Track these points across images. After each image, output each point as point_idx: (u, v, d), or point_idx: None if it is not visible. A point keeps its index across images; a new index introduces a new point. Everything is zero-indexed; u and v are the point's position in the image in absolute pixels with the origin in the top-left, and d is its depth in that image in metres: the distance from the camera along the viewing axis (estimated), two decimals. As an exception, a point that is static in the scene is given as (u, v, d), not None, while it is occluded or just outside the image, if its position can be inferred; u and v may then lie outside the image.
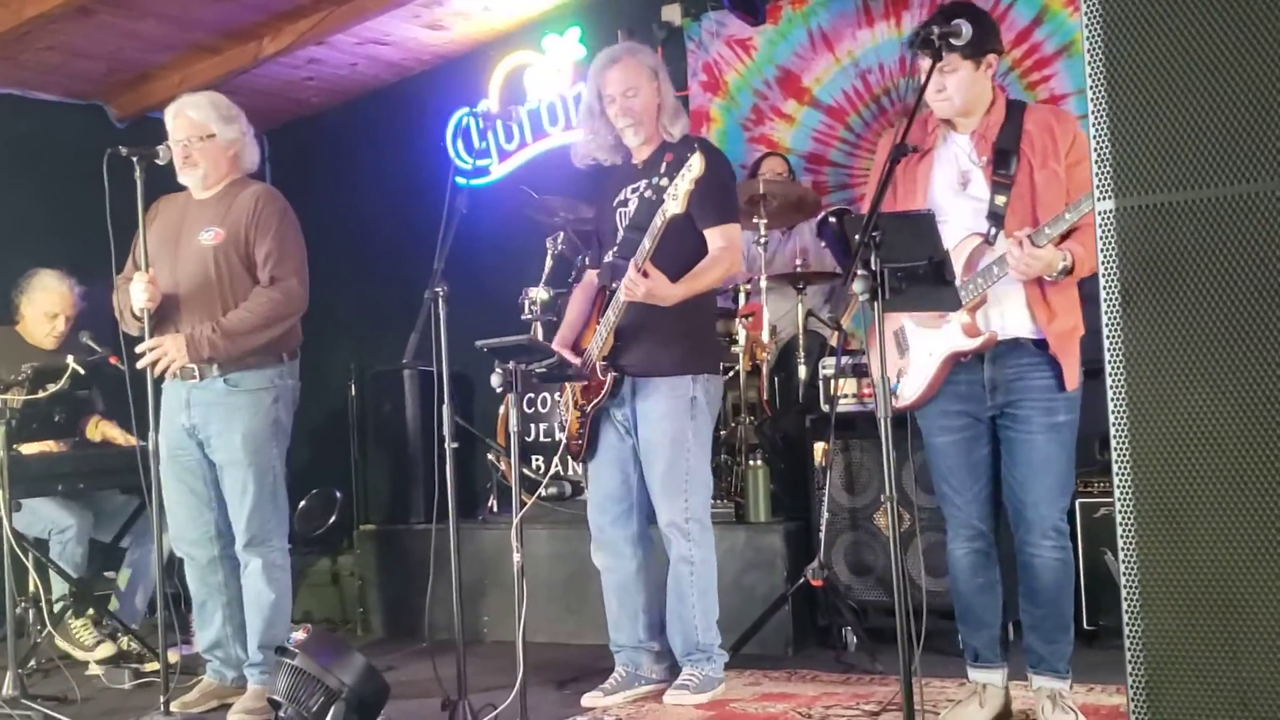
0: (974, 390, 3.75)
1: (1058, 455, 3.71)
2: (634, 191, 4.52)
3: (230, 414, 4.55)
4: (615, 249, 4.54)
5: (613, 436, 4.60)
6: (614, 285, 4.41)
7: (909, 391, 3.81)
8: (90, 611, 5.54)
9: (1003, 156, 3.71)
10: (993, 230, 3.67)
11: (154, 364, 4.46)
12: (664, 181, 4.22)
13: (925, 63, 3.57)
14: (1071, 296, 3.73)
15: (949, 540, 3.91)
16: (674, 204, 4.13)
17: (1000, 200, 3.67)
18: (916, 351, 3.81)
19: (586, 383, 4.54)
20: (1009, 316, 3.70)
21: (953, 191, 3.75)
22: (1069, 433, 3.73)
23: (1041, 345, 3.69)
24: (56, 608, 5.42)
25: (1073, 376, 3.69)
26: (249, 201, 4.61)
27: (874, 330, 3.97)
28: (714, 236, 4.48)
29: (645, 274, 4.26)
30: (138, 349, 4.49)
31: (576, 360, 4.55)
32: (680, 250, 4.41)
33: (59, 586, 5.52)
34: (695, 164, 4.09)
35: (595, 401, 4.50)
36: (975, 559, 3.85)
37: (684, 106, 6.86)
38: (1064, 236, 3.60)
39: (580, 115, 4.80)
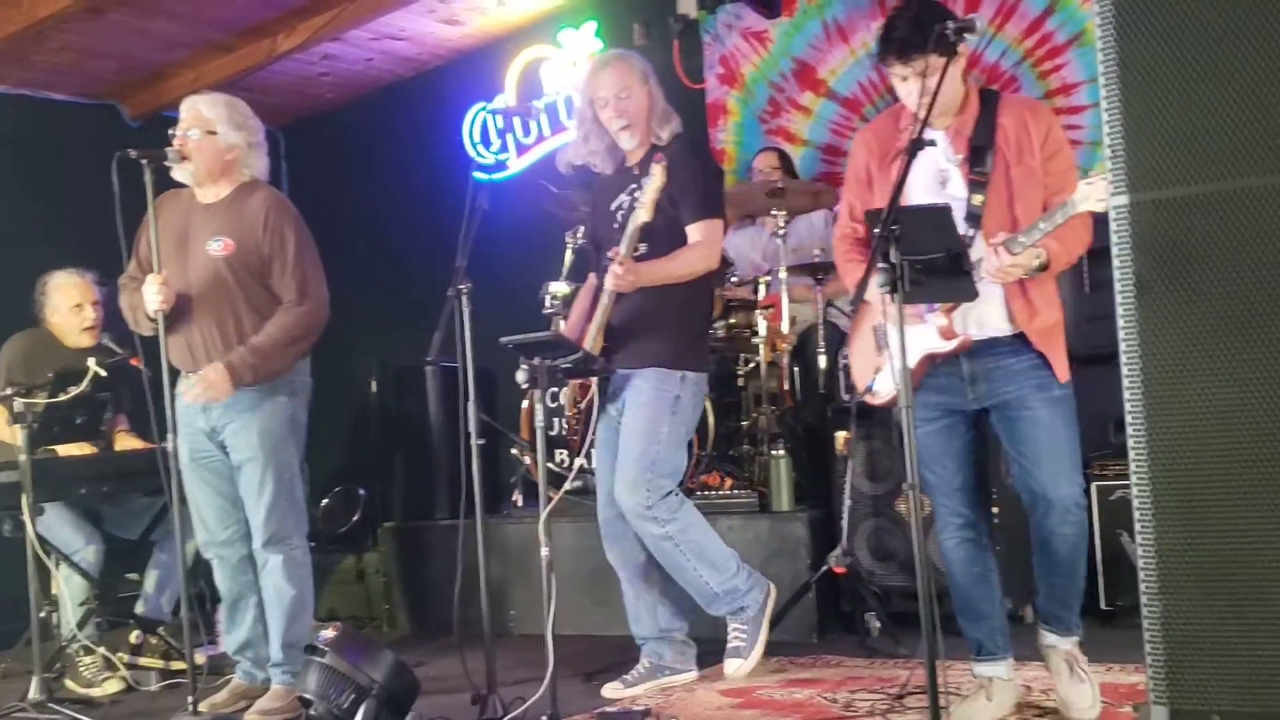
0: (952, 383, 3.72)
1: (1064, 428, 3.66)
2: (628, 195, 4.57)
3: (247, 412, 4.57)
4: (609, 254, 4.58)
5: (609, 432, 4.64)
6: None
7: (885, 389, 3.78)
8: (97, 649, 5.40)
9: (979, 154, 3.65)
10: (970, 231, 3.59)
11: (199, 398, 4.50)
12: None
13: (936, 61, 3.46)
14: (1050, 290, 3.68)
15: (939, 532, 3.87)
16: (642, 213, 4.24)
17: (977, 200, 3.62)
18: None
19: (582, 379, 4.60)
20: (986, 317, 3.65)
21: (930, 191, 3.66)
22: (1069, 407, 3.68)
23: (1018, 338, 3.65)
24: (78, 614, 5.40)
25: (1062, 369, 3.65)
26: (258, 213, 4.61)
27: (858, 322, 4.00)
28: (692, 232, 4.53)
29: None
30: (181, 387, 4.55)
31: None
32: (671, 246, 4.49)
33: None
34: (657, 174, 4.21)
35: (586, 398, 4.55)
36: (968, 549, 3.82)
37: (701, 99, 6.95)
38: None
39: (574, 121, 4.82)
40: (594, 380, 4.56)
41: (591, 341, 4.51)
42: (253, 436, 4.57)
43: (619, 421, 4.58)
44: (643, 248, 4.45)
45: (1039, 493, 3.69)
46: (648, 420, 4.48)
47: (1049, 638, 3.81)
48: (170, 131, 4.62)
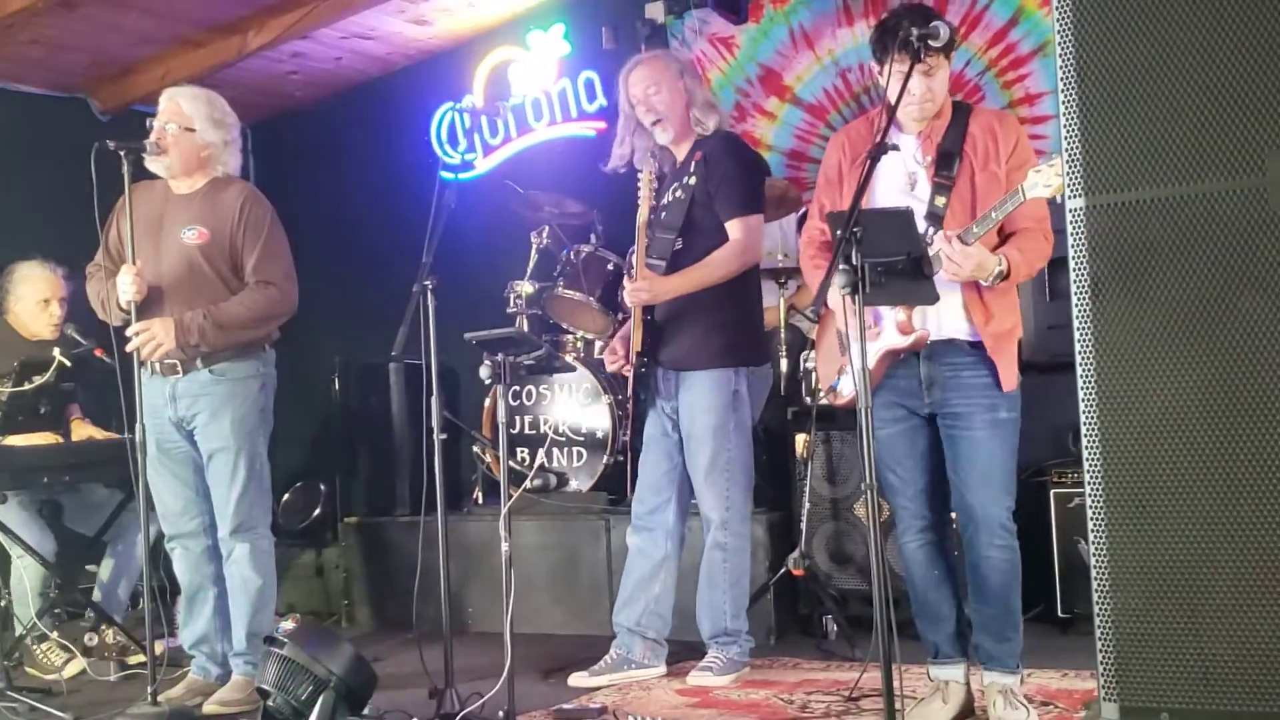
0: (911, 385, 3.79)
1: (1000, 452, 3.74)
2: (670, 193, 4.65)
3: (219, 402, 4.59)
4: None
5: (659, 429, 4.74)
6: None
7: (849, 388, 3.86)
8: (52, 635, 5.35)
9: (946, 158, 3.74)
10: (930, 230, 3.67)
11: (141, 348, 4.46)
12: (691, 180, 4.37)
13: (900, 64, 3.58)
14: (1010, 299, 3.79)
15: (900, 535, 3.95)
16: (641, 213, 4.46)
17: (940, 201, 3.71)
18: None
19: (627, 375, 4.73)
20: (945, 317, 3.72)
21: (900, 193, 3.76)
22: (1011, 430, 3.76)
23: (977, 346, 3.73)
24: (37, 604, 5.34)
25: (1009, 377, 3.73)
26: (234, 204, 4.64)
27: (824, 324, 4.05)
28: (731, 229, 4.60)
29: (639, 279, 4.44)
30: (129, 330, 4.51)
31: (621, 353, 4.74)
32: (708, 245, 4.57)
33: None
34: (643, 180, 4.47)
35: (629, 395, 4.69)
36: (928, 551, 3.88)
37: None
38: (1003, 240, 3.66)
39: (619, 125, 4.88)
40: (631, 374, 4.67)
41: (633, 340, 4.63)
42: (224, 426, 4.59)
43: (673, 420, 4.68)
44: (679, 243, 4.56)
45: (967, 512, 3.78)
46: (713, 424, 4.59)
47: (986, 675, 3.85)
48: (148, 123, 4.63)
